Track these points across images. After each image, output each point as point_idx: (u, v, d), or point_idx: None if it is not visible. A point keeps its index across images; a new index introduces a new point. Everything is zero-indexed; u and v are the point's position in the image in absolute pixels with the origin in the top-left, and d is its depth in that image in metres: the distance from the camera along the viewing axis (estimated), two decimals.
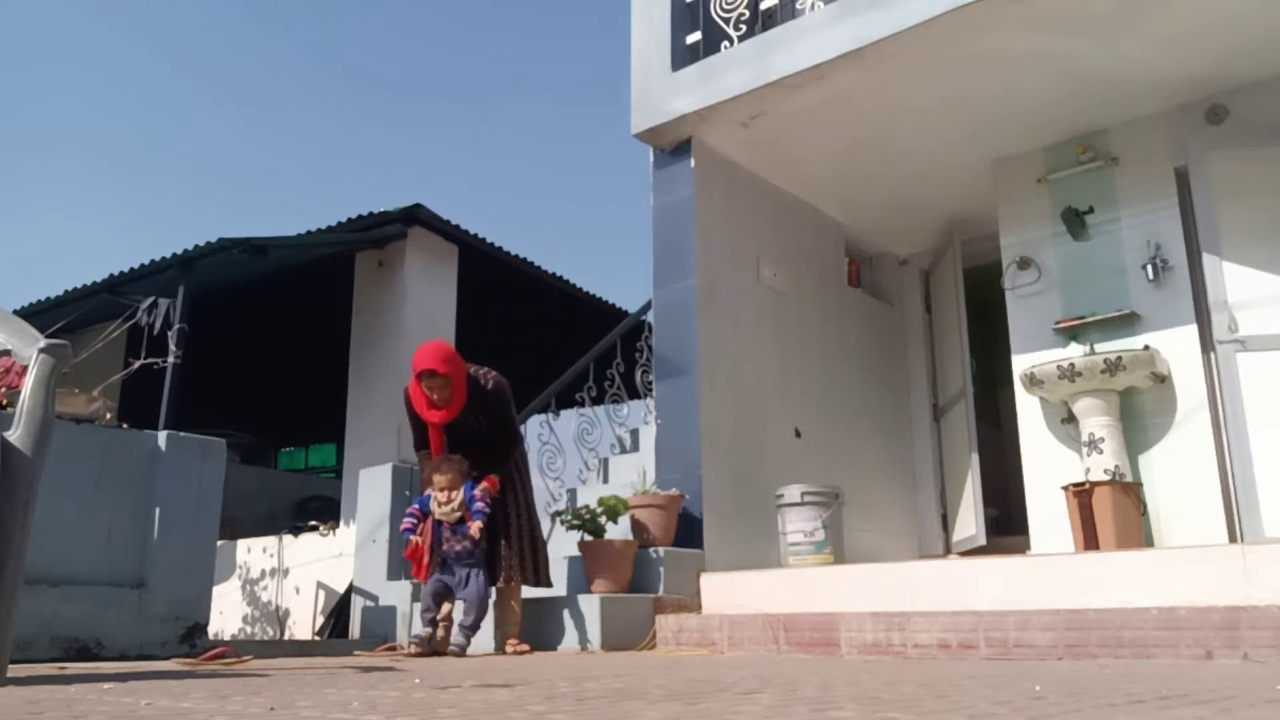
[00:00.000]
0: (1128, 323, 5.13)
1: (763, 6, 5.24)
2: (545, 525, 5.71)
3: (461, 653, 3.92)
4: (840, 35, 4.65)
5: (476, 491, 4.08)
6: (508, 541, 4.17)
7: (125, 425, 4.30)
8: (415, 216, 7.51)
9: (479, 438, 4.24)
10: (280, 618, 7.81)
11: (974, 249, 6.48)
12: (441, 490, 4.10)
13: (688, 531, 4.81)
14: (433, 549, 4.11)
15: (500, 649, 4.15)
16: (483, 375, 4.28)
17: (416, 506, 4.23)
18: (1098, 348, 5.07)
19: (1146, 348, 4.92)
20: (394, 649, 4.31)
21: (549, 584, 4.29)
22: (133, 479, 3.96)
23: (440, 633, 4.08)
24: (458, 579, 4.06)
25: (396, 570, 5.36)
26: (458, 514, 4.08)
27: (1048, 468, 5.21)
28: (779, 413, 5.58)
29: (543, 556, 4.29)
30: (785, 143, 5.49)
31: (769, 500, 5.06)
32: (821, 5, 4.88)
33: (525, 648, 4.05)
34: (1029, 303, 5.52)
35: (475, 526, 3.98)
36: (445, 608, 4.10)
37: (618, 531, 4.67)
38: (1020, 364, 5.36)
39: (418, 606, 4.45)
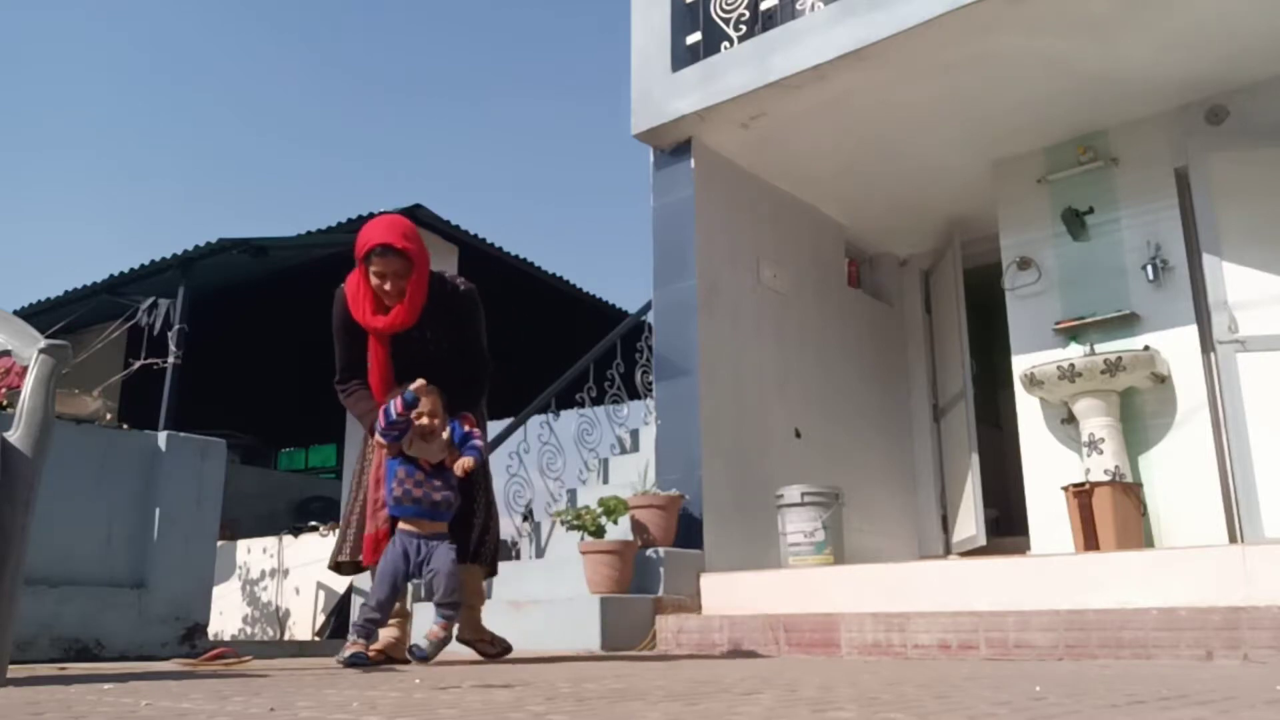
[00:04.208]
0: (1128, 323, 5.14)
1: (763, 7, 5.24)
2: (545, 525, 5.73)
3: (438, 652, 2.88)
4: (840, 36, 4.65)
5: (467, 427, 3.02)
6: (486, 510, 3.27)
7: (125, 425, 4.30)
8: (415, 217, 7.50)
9: (435, 364, 3.10)
10: (280, 618, 7.81)
11: (974, 249, 6.48)
12: (419, 418, 2.93)
13: (688, 532, 4.81)
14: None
15: (474, 642, 3.23)
16: (450, 277, 3.26)
17: (398, 411, 2.88)
18: (1098, 348, 5.07)
19: (1146, 348, 4.93)
20: (382, 652, 3.15)
21: (496, 572, 3.41)
22: (133, 479, 3.96)
23: (396, 632, 3.14)
24: (424, 555, 2.90)
25: None
26: (444, 453, 2.96)
27: (1048, 468, 5.21)
28: (779, 413, 5.58)
29: (497, 538, 3.39)
30: (785, 143, 5.49)
31: (769, 500, 5.06)
32: (821, 6, 4.88)
33: (504, 642, 3.21)
34: (1029, 303, 5.52)
35: (467, 462, 2.92)
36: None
37: (618, 532, 4.67)
38: (1020, 364, 5.36)
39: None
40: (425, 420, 2.92)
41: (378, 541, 3.01)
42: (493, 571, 3.35)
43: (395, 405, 2.88)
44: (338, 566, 3.19)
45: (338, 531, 3.20)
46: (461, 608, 3.00)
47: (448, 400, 3.04)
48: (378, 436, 2.96)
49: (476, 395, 3.23)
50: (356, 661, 2.79)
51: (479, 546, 3.20)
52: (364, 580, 5.70)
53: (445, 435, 2.96)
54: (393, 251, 2.99)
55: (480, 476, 3.19)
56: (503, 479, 5.97)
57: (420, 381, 2.90)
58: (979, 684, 2.02)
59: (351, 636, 2.90)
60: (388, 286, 3.01)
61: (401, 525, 2.93)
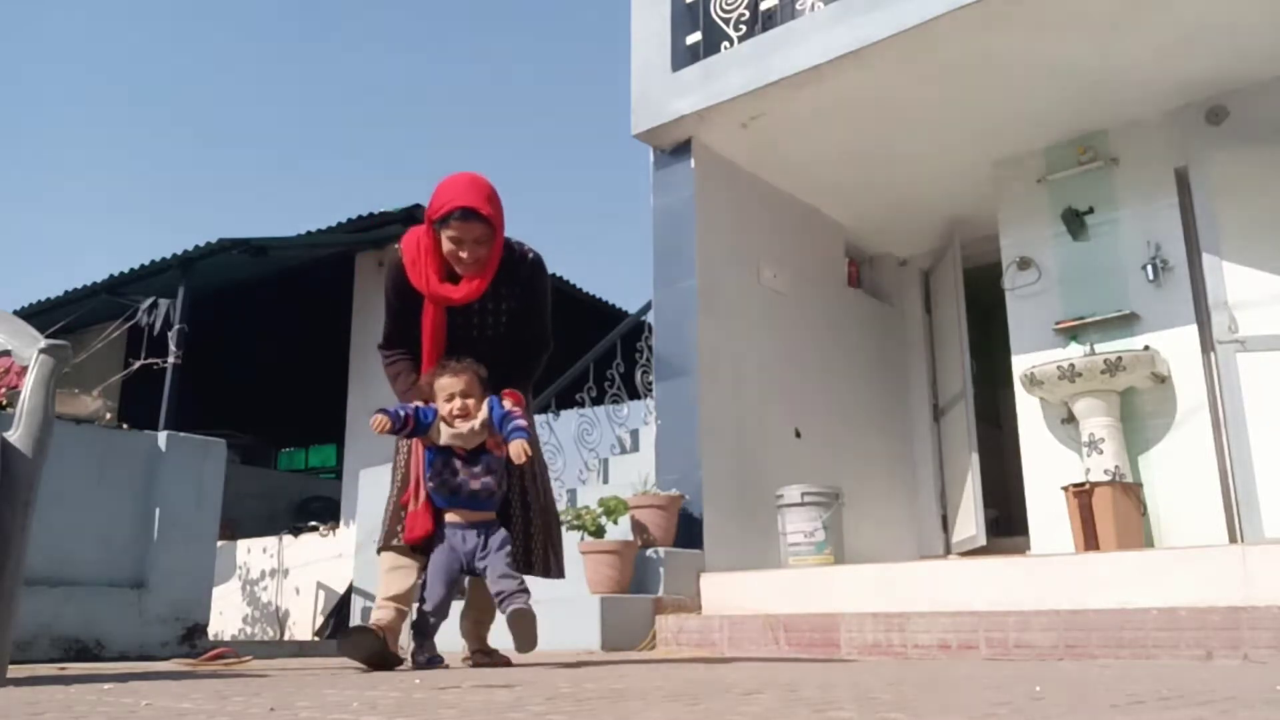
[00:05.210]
0: (1127, 323, 5.14)
1: (763, 7, 5.24)
2: None
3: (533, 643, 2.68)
4: (840, 36, 4.65)
5: (508, 404, 2.70)
6: (524, 510, 2.89)
7: (125, 425, 4.30)
8: (415, 217, 7.52)
9: (490, 337, 2.86)
10: (280, 618, 7.81)
11: (974, 249, 6.48)
12: (451, 399, 2.67)
13: (688, 532, 4.81)
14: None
15: (474, 653, 2.94)
16: (518, 247, 2.88)
17: (409, 412, 2.66)
18: (1098, 348, 5.07)
19: (1146, 348, 4.93)
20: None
21: (562, 573, 2.99)
22: (133, 479, 3.96)
23: (392, 614, 2.74)
24: (472, 546, 2.67)
25: None
26: (481, 437, 2.67)
27: (1048, 468, 5.21)
28: (779, 413, 5.58)
29: (559, 535, 3.02)
30: (785, 143, 5.49)
31: (769, 500, 5.06)
32: (821, 6, 4.88)
33: (504, 658, 2.89)
34: (1029, 303, 5.52)
35: (518, 446, 2.57)
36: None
37: (618, 532, 4.67)
38: (1020, 364, 5.36)
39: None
40: (458, 402, 2.66)
41: (417, 517, 2.72)
42: (557, 574, 2.94)
43: (399, 411, 2.64)
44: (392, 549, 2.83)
45: (385, 513, 2.88)
46: (474, 623, 2.85)
47: (499, 375, 2.79)
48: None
49: (531, 372, 2.95)
50: (434, 664, 2.67)
51: (526, 553, 2.84)
52: (364, 583, 5.70)
53: (483, 416, 2.67)
54: (476, 217, 2.66)
55: (522, 465, 2.76)
56: None
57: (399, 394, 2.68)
58: (979, 684, 2.02)
59: (414, 641, 2.72)
60: (464, 254, 2.70)
61: (447, 517, 2.71)
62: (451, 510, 2.70)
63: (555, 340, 3.04)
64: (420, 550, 2.75)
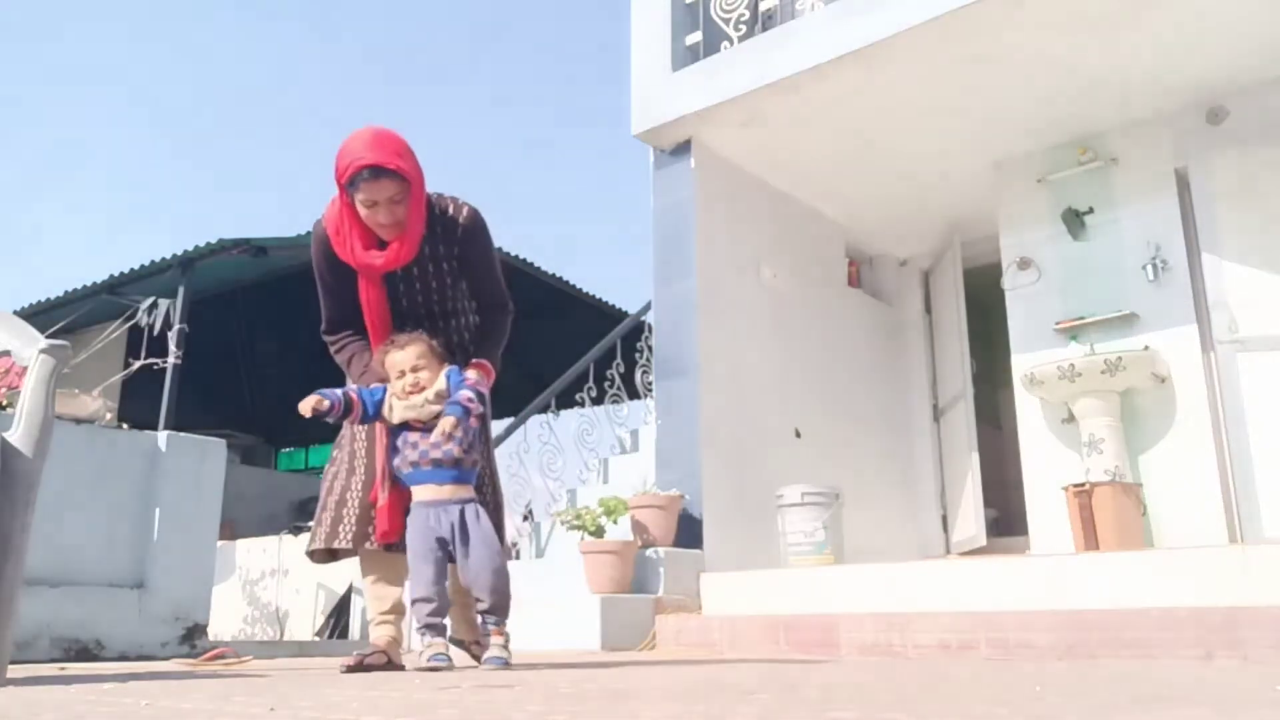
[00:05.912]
0: (1127, 323, 5.14)
1: (763, 7, 5.25)
2: (545, 525, 5.73)
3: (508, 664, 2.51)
4: (840, 36, 4.65)
5: (470, 374, 2.62)
6: (492, 496, 2.79)
7: (125, 425, 4.30)
8: None
9: (438, 302, 2.73)
10: (280, 618, 7.81)
11: (974, 250, 6.48)
12: (401, 375, 2.56)
13: (688, 532, 4.81)
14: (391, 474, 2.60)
15: (470, 644, 2.82)
16: (451, 203, 2.71)
17: (351, 391, 2.58)
18: (1098, 348, 5.07)
19: (1146, 348, 4.93)
20: (383, 653, 2.62)
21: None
22: (133, 479, 3.96)
23: (393, 631, 2.68)
24: (447, 529, 2.51)
25: None
26: (437, 408, 2.54)
27: (1048, 468, 5.21)
28: (779, 413, 5.58)
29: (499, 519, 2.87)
30: (785, 143, 5.49)
31: (769, 500, 5.06)
32: (821, 6, 4.88)
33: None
34: (1029, 303, 5.52)
35: (447, 423, 2.48)
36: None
37: (618, 532, 4.67)
38: (1020, 364, 5.36)
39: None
40: (409, 377, 2.55)
41: (385, 515, 2.59)
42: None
43: (336, 394, 2.55)
44: (311, 554, 2.74)
45: (323, 511, 2.71)
46: (461, 607, 2.71)
47: (464, 347, 2.70)
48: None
49: (497, 339, 2.80)
50: (438, 665, 2.45)
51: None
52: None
53: (438, 387, 2.55)
54: (386, 174, 2.48)
55: (474, 439, 2.64)
56: (503, 479, 5.97)
57: (310, 401, 2.54)
58: (979, 684, 2.02)
59: (424, 639, 2.52)
60: (381, 217, 2.53)
61: (415, 496, 2.57)
62: (419, 486, 2.56)
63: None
64: (395, 549, 2.63)
